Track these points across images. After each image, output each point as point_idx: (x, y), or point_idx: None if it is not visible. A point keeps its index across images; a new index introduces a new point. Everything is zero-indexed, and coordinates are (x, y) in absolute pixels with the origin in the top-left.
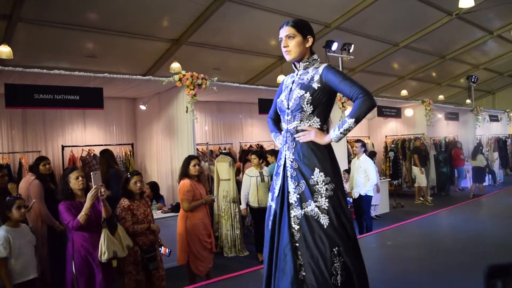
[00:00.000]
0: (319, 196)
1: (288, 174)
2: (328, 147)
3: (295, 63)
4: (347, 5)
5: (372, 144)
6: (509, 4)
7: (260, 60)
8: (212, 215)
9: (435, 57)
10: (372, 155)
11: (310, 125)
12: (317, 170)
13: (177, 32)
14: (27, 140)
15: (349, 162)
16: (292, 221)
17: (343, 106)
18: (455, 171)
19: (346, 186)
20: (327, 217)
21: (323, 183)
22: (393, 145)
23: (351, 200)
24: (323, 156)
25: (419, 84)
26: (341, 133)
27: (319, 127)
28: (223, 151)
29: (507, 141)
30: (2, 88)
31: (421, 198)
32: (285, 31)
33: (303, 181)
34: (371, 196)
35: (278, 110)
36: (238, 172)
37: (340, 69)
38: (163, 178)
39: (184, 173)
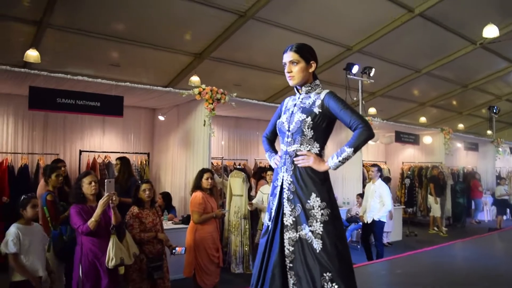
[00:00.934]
0: (314, 221)
1: (285, 196)
2: (325, 172)
3: (297, 86)
4: (370, 29)
5: (389, 169)
6: None
7: (280, 79)
8: (222, 230)
9: (457, 85)
10: (386, 180)
11: (309, 150)
12: (313, 195)
13: (200, 46)
14: (47, 142)
15: (363, 186)
16: (287, 242)
17: None
18: (472, 202)
19: (359, 210)
20: (321, 242)
21: (319, 208)
22: (409, 172)
23: (361, 224)
24: (320, 181)
25: (440, 111)
26: (339, 161)
27: (318, 152)
28: (238, 166)
29: None
30: (27, 91)
31: (435, 228)
32: (289, 56)
33: (299, 205)
34: (384, 222)
35: (277, 131)
36: (250, 188)
37: (360, 92)
38: (176, 189)
39: (197, 185)
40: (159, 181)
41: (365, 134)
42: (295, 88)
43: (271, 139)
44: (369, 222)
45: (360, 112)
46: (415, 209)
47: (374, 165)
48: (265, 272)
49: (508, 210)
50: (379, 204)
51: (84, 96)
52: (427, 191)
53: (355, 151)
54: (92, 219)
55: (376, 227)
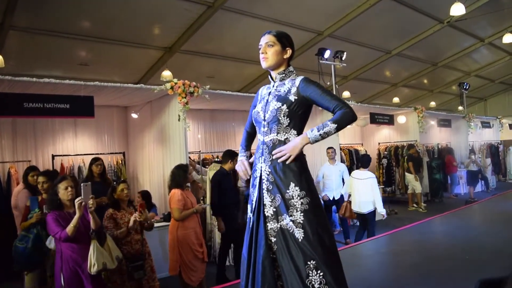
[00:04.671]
0: (294, 210)
1: (264, 186)
2: (303, 161)
3: (271, 73)
4: (340, 13)
5: (366, 151)
6: (499, 12)
7: (254, 68)
8: (204, 224)
9: (427, 64)
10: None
11: (287, 138)
12: (292, 184)
13: (170, 40)
14: (17, 149)
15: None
16: (269, 233)
17: None
18: (448, 177)
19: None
20: (302, 231)
21: (299, 198)
22: (386, 152)
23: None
24: (298, 170)
25: (412, 91)
26: (320, 135)
27: None
28: (216, 159)
29: (499, 148)
30: None
31: (414, 205)
32: (265, 38)
33: (279, 195)
34: None
35: (254, 121)
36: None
37: (333, 76)
38: (155, 187)
39: (180, 183)
40: (137, 180)
41: (349, 115)
42: (269, 76)
43: (251, 133)
44: (336, 198)
45: None
46: (393, 188)
47: (330, 147)
48: (255, 265)
49: (482, 182)
50: (340, 181)
51: (52, 99)
52: (404, 170)
53: (337, 129)
54: (71, 225)
55: (342, 200)
